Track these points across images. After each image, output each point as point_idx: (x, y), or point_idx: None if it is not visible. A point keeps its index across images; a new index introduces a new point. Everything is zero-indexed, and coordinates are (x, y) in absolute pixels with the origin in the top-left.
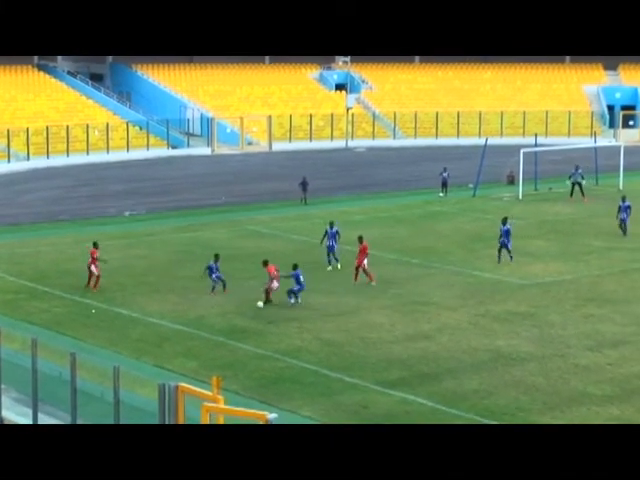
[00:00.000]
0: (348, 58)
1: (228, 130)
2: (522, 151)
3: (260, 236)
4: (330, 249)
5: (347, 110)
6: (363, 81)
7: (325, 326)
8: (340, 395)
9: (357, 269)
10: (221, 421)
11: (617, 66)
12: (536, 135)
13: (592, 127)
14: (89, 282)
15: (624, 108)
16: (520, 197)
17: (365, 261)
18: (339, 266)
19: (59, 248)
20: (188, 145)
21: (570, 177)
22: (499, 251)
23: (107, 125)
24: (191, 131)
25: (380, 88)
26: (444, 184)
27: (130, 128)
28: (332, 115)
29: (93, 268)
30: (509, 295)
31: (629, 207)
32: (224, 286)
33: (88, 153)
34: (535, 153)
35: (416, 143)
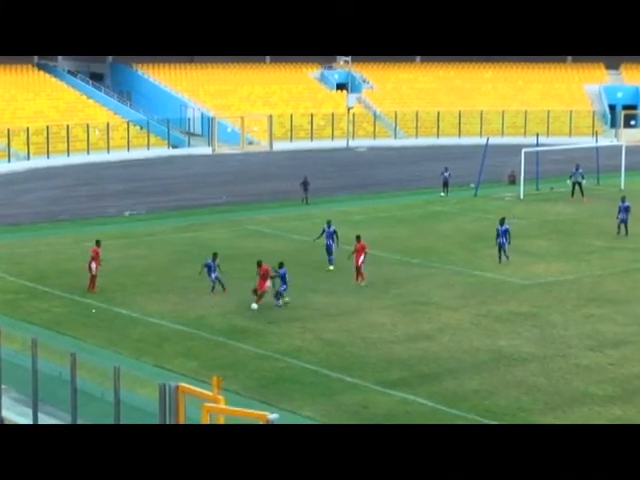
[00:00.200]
0: (349, 58)
1: (229, 130)
2: (523, 151)
3: (261, 236)
4: (328, 248)
5: (348, 110)
6: (364, 81)
7: (326, 326)
8: (340, 395)
9: (357, 269)
10: (222, 421)
11: (619, 66)
12: (537, 135)
13: (594, 127)
14: (90, 284)
15: (626, 108)
16: (521, 197)
17: (361, 259)
18: (331, 267)
19: (59, 248)
20: (189, 145)
21: (570, 177)
22: (499, 251)
23: (107, 125)
24: (192, 131)
25: (381, 88)
26: (445, 184)
27: (131, 128)
28: (333, 115)
29: (93, 265)
30: (511, 295)
31: (628, 208)
32: (223, 286)
33: (88, 153)
34: (536, 153)
35: (417, 143)
